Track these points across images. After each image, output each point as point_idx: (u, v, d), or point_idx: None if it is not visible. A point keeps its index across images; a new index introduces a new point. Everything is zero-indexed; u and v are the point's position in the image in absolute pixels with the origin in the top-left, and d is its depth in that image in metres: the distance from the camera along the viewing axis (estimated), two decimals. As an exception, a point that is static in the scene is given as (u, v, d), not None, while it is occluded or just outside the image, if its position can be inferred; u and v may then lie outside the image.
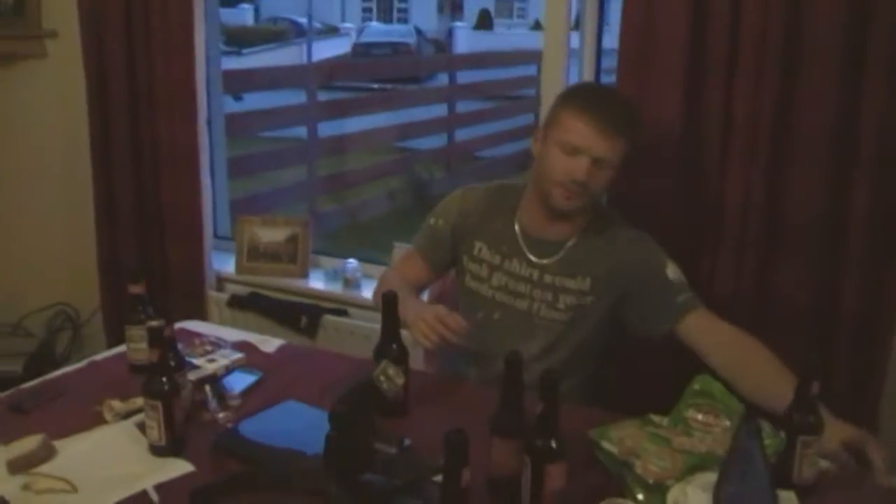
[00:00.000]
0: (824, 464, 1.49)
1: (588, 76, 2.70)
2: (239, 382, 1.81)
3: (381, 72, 9.49)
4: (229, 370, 1.87)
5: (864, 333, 2.17)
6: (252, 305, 3.00)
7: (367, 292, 2.80)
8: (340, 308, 2.96)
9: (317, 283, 3.08)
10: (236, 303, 3.01)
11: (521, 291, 1.97)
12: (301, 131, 6.02)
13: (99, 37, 2.97)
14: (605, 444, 1.51)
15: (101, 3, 2.92)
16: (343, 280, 3.01)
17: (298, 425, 1.62)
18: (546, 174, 1.86)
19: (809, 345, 2.17)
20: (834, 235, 2.14)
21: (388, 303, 1.67)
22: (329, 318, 2.91)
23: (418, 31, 20.72)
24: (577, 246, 1.94)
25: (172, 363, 1.58)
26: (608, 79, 2.77)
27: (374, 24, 24.35)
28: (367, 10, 29.37)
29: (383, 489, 1.29)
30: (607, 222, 1.97)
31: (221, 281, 3.15)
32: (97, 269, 3.21)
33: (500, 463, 1.42)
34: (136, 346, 1.88)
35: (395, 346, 1.67)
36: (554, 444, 1.34)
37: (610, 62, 2.75)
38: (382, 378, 1.21)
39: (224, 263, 3.18)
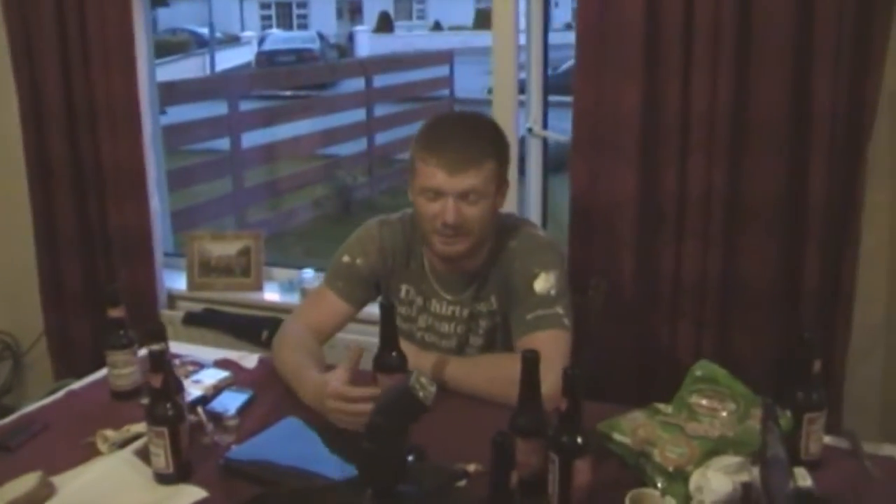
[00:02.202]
0: (827, 439, 1.55)
1: (536, 72, 2.74)
2: (231, 402, 1.76)
3: (303, 78, 9.44)
4: (219, 390, 1.82)
5: (826, 312, 2.26)
6: (209, 322, 2.93)
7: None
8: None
9: (272, 295, 3.04)
10: (192, 320, 2.93)
11: (445, 331, 1.95)
12: (219, 144, 5.91)
13: (30, 52, 2.84)
14: (618, 436, 1.54)
15: (31, 17, 2.80)
16: (300, 290, 2.96)
17: (304, 443, 1.59)
18: (421, 223, 1.82)
19: (808, 324, 2.23)
20: (794, 219, 2.23)
21: (385, 312, 1.65)
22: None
23: (321, 37, 20.58)
24: (487, 270, 1.90)
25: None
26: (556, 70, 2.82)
27: (276, 31, 24.03)
28: (266, 18, 29.02)
29: (416, 499, 1.27)
30: (507, 236, 1.89)
31: (172, 298, 3.06)
32: (39, 294, 3.07)
33: (524, 463, 1.42)
34: (119, 372, 1.82)
35: (394, 353, 1.66)
36: (580, 440, 1.35)
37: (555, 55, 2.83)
38: (418, 387, 1.20)
39: (173, 281, 3.09)
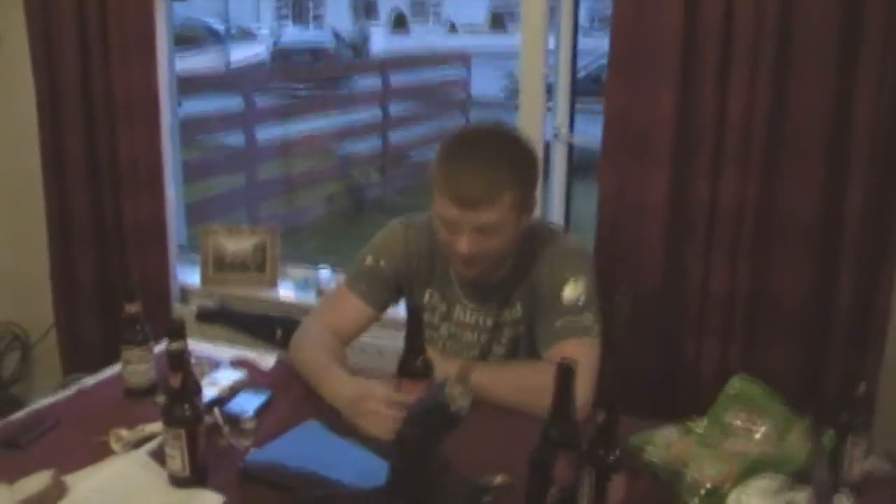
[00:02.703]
0: (870, 463, 1.49)
1: (564, 75, 2.68)
2: (248, 403, 1.71)
3: (321, 73, 9.43)
4: (235, 391, 1.77)
5: (859, 331, 2.19)
6: (222, 318, 2.88)
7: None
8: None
9: (287, 292, 2.98)
10: (205, 316, 2.88)
11: (468, 340, 1.90)
12: (230, 139, 5.86)
13: (49, 43, 2.80)
14: (651, 451, 1.48)
15: (52, 8, 2.76)
16: (317, 289, 2.92)
17: (324, 447, 1.54)
18: (441, 244, 1.76)
19: (839, 343, 2.17)
20: (828, 235, 2.16)
21: (412, 316, 1.60)
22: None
23: (336, 35, 20.49)
24: (512, 279, 1.84)
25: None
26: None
27: (291, 27, 23.94)
28: (281, 14, 28.99)
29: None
30: (537, 243, 1.83)
31: (185, 293, 3.02)
32: (50, 285, 3.02)
33: (556, 477, 1.36)
34: (134, 369, 1.77)
35: (420, 359, 1.60)
36: (616, 455, 1.30)
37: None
38: (450, 398, 1.13)
39: (186, 275, 3.05)
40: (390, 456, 1.37)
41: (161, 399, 1.71)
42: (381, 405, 1.55)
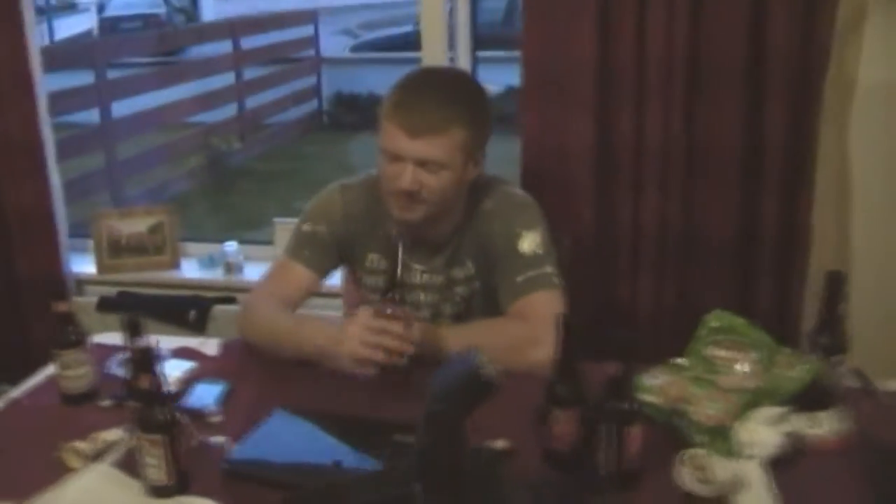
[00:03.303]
0: (847, 381, 1.53)
1: (463, 25, 2.61)
2: (208, 396, 1.58)
3: (173, 42, 8.95)
4: (188, 384, 1.63)
5: (783, 256, 2.27)
6: (126, 306, 2.67)
7: (254, 276, 2.56)
8: (228, 296, 2.70)
9: (191, 271, 2.81)
10: (107, 305, 2.67)
11: (419, 301, 1.83)
12: (75, 117, 5.41)
13: None
14: (646, 396, 1.46)
15: None
16: (224, 265, 2.76)
17: (304, 434, 1.44)
18: (381, 183, 1.70)
19: (766, 270, 2.23)
20: (750, 163, 2.21)
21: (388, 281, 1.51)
22: (219, 308, 2.65)
23: (165, 1, 19.42)
24: (460, 235, 1.78)
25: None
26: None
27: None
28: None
29: (470, 488, 1.15)
30: (481, 196, 1.78)
31: (80, 283, 2.79)
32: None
33: (565, 434, 1.32)
34: (72, 373, 1.59)
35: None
36: (632, 406, 1.28)
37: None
38: (484, 365, 1.06)
39: (79, 264, 2.82)
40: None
41: (107, 403, 1.59)
42: (365, 331, 1.50)
